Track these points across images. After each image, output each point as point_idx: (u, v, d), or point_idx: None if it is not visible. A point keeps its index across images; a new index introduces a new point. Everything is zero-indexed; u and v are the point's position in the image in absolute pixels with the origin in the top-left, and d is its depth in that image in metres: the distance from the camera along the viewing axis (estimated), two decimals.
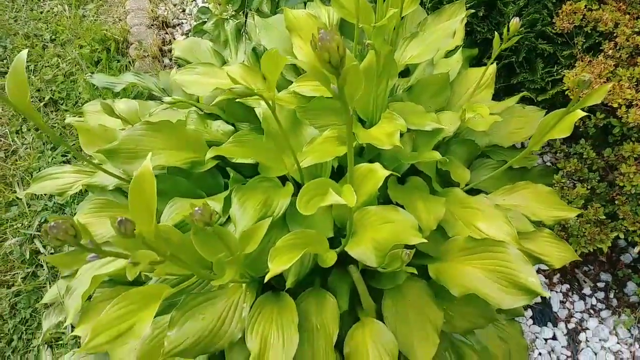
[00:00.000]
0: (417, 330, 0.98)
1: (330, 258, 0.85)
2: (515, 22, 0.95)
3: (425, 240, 0.87)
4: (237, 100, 1.07)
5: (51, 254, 1.35)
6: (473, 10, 1.25)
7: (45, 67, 1.74)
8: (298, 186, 1.02)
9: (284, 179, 1.01)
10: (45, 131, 0.66)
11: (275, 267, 0.75)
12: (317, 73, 0.53)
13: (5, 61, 1.75)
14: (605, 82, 1.27)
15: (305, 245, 0.81)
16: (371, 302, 1.01)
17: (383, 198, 1.07)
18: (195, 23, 1.85)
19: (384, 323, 0.97)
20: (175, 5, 1.92)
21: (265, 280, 0.73)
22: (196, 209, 0.56)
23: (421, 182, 1.11)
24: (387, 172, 0.91)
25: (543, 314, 1.47)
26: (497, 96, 1.44)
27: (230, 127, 1.11)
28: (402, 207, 1.00)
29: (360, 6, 1.05)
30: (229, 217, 0.95)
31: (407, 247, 0.90)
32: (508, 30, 1.00)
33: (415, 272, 0.86)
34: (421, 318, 1.00)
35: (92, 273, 1.06)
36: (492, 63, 1.07)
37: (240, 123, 1.15)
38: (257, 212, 0.87)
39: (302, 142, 1.05)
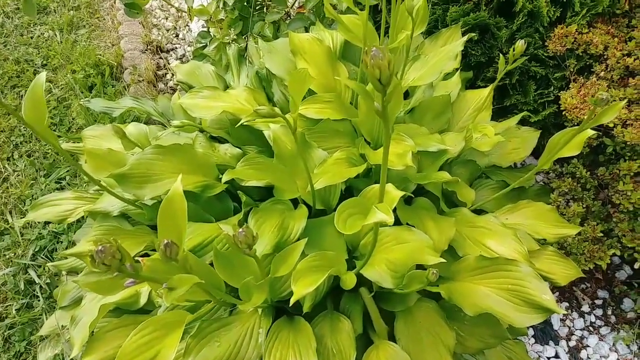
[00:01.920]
0: (430, 352, 0.97)
1: (350, 280, 0.84)
2: (520, 44, 0.98)
3: (443, 260, 0.87)
4: (245, 123, 1.07)
5: (47, 284, 1.31)
6: (474, 35, 1.28)
7: None
8: (309, 208, 1.02)
9: (295, 202, 1.01)
10: (63, 155, 0.65)
11: (299, 290, 0.74)
12: (361, 90, 0.54)
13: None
14: None
15: (326, 267, 0.80)
16: (383, 325, 1.01)
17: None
18: (189, 48, 1.85)
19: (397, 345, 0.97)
20: (168, 30, 1.93)
21: (291, 303, 0.72)
22: (240, 230, 0.56)
23: (428, 203, 1.12)
24: (400, 193, 0.92)
25: (544, 332, 1.48)
26: (492, 117, 1.47)
27: (238, 150, 1.11)
28: (412, 227, 1.01)
29: (367, 30, 1.07)
30: None
31: (418, 266, 0.90)
32: (508, 54, 1.03)
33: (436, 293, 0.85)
34: (433, 339, 1.00)
35: (98, 302, 1.03)
36: (496, 84, 1.09)
37: (246, 146, 1.14)
38: (274, 235, 0.86)
39: (311, 164, 1.05)
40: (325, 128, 1.14)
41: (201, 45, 1.41)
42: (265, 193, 1.06)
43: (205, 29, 1.39)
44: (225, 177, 0.89)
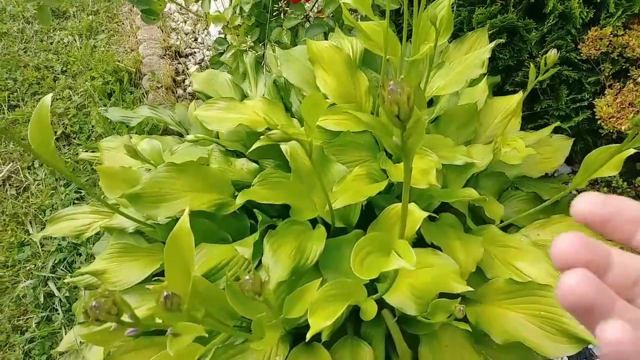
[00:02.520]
0: None
1: (371, 310, 0.80)
2: (553, 53, 0.92)
3: (470, 288, 0.82)
4: (261, 137, 1.03)
5: (66, 297, 1.30)
6: (502, 40, 1.21)
7: (57, 99, 1.71)
8: (327, 227, 0.98)
9: (314, 221, 0.97)
10: (73, 181, 0.62)
11: (317, 323, 0.70)
12: (375, 125, 0.49)
13: (15, 94, 1.72)
14: (637, 111, 1.24)
15: (346, 296, 0.76)
16: (407, 349, 0.96)
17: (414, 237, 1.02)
18: (208, 52, 1.82)
19: None
20: (187, 34, 1.90)
21: (307, 338, 0.68)
22: (246, 277, 0.52)
23: (454, 220, 1.06)
24: (424, 214, 0.87)
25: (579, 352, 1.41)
26: (521, 124, 1.40)
27: (255, 165, 1.07)
28: (437, 247, 0.96)
29: (388, 38, 1.02)
30: (258, 262, 0.90)
31: (442, 294, 0.85)
32: (538, 57, 0.96)
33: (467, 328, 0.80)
34: None
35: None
36: (526, 94, 1.03)
37: (263, 160, 1.11)
38: (291, 260, 0.82)
39: (330, 180, 1.01)
40: (344, 141, 1.09)
41: (218, 52, 1.38)
42: (283, 209, 1.02)
43: (223, 36, 1.36)
44: (239, 199, 0.86)
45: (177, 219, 1.00)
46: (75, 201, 1.45)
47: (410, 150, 0.49)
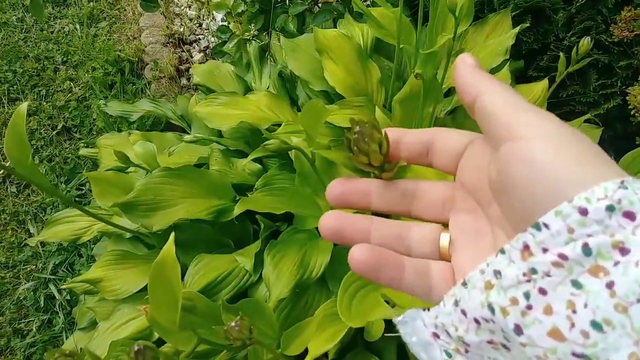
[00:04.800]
0: None
1: (376, 329, 0.73)
2: (586, 42, 0.82)
3: None
4: (264, 136, 0.96)
5: (67, 300, 1.26)
6: (527, 24, 1.11)
7: (57, 92, 1.65)
8: None
9: None
10: (55, 196, 0.55)
11: (315, 348, 0.64)
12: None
13: (15, 87, 1.67)
14: None
15: None
16: None
17: None
18: (213, 39, 1.74)
19: None
20: (191, 20, 1.82)
21: None
22: (232, 324, 0.45)
23: None
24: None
25: None
26: None
27: (258, 166, 1.00)
28: None
29: (401, 26, 0.93)
30: (260, 274, 0.84)
31: None
32: (565, 40, 0.87)
33: None
34: None
35: (110, 333, 0.96)
36: (554, 86, 0.94)
37: (267, 159, 1.03)
38: (293, 275, 0.76)
39: None
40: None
41: (221, 41, 1.30)
42: (289, 212, 0.95)
43: (226, 23, 1.28)
44: (237, 209, 0.79)
45: (176, 226, 0.94)
46: (77, 199, 1.40)
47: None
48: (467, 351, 0.24)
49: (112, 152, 1.15)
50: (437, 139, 0.28)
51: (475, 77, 0.26)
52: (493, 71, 1.22)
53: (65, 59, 1.74)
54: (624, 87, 1.26)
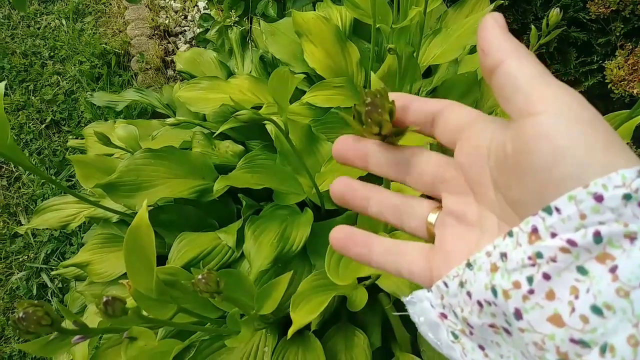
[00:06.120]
0: None
1: (360, 299, 0.75)
2: (555, 12, 0.83)
3: None
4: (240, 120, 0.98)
5: (59, 288, 1.27)
6: (502, 1, 1.13)
7: (45, 86, 1.66)
8: (318, 209, 0.93)
9: (302, 204, 0.91)
10: (37, 174, 0.57)
11: (299, 319, 0.66)
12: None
13: (3, 82, 1.67)
14: None
15: (331, 286, 0.71)
16: (406, 334, 0.91)
17: None
18: (199, 30, 1.75)
19: (421, 358, 0.88)
20: (176, 12, 1.83)
21: (288, 336, 0.63)
22: (199, 277, 0.47)
23: None
24: (416, 193, 0.81)
25: None
26: None
27: (240, 147, 1.01)
28: None
29: (377, 5, 0.94)
30: (242, 251, 0.85)
31: None
32: (543, 20, 0.88)
33: None
34: None
35: (98, 316, 0.98)
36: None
37: (250, 141, 1.05)
38: (273, 248, 0.77)
39: (319, 159, 0.95)
40: (335, 118, 1.03)
41: (203, 29, 1.31)
42: (272, 192, 0.97)
43: (208, 12, 1.29)
44: (217, 185, 0.81)
45: (160, 207, 0.95)
46: (64, 194, 1.41)
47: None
48: (471, 333, 0.24)
49: (99, 142, 1.17)
50: (444, 113, 0.27)
51: (505, 39, 0.24)
52: (472, 50, 1.23)
53: (52, 53, 1.75)
54: (603, 63, 1.28)
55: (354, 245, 0.29)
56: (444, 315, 0.25)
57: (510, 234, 0.22)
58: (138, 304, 0.60)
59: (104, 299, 0.41)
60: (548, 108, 0.21)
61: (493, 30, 0.24)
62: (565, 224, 0.19)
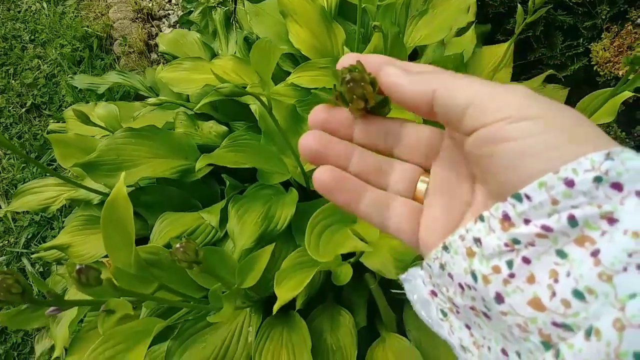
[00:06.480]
0: (444, 345, 0.88)
1: (344, 274, 0.75)
2: None
3: None
4: (226, 97, 0.96)
5: (40, 272, 1.25)
6: None
7: (26, 69, 1.62)
8: (303, 190, 0.92)
9: (287, 184, 0.90)
10: (16, 152, 0.55)
11: (283, 295, 0.65)
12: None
13: None
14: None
15: (315, 263, 0.70)
16: (392, 314, 0.91)
17: None
18: (182, 14, 1.72)
19: (407, 338, 0.88)
20: None
21: (274, 311, 0.63)
22: (177, 245, 0.46)
23: None
24: None
25: None
26: (513, 75, 1.32)
27: (224, 128, 1.00)
28: None
29: None
30: (226, 231, 0.84)
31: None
32: (528, 3, 0.88)
33: None
34: None
35: (80, 298, 0.96)
36: (514, 39, 0.95)
37: (234, 122, 1.04)
38: (257, 227, 0.76)
39: None
40: (319, 98, 1.01)
41: (187, 11, 1.29)
42: (256, 174, 0.96)
43: None
44: (199, 163, 0.79)
45: (142, 188, 0.94)
46: (47, 175, 1.39)
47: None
48: (457, 312, 0.24)
49: (80, 124, 1.15)
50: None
51: (416, 77, 0.24)
52: (459, 33, 1.23)
53: (32, 37, 1.71)
54: (589, 46, 1.28)
55: (342, 192, 0.27)
56: (434, 293, 0.26)
57: (481, 218, 0.22)
58: (118, 283, 0.59)
59: (77, 267, 0.40)
60: (508, 113, 0.21)
61: (400, 78, 0.24)
62: (538, 210, 0.20)
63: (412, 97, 0.24)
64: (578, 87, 1.43)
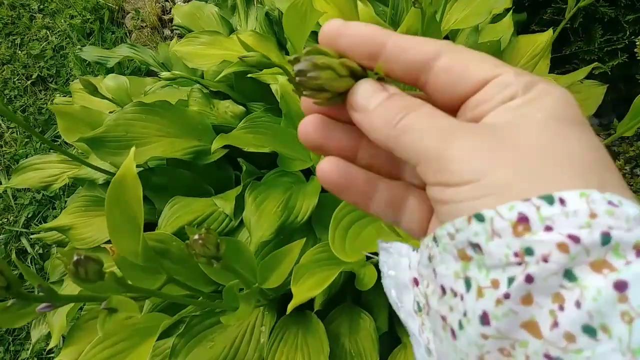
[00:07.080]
0: None
1: (369, 276, 0.68)
2: None
3: None
4: (248, 75, 0.89)
5: (40, 254, 1.19)
6: None
7: (33, 40, 1.55)
8: None
9: (307, 172, 0.83)
10: (17, 123, 0.48)
11: (301, 294, 0.58)
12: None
13: None
14: None
15: (337, 260, 0.63)
16: None
17: None
18: None
19: None
20: None
21: (288, 311, 0.56)
22: (195, 237, 0.39)
23: None
24: None
25: None
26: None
27: (241, 108, 0.93)
28: None
29: None
30: (241, 220, 0.77)
31: None
32: None
33: None
34: None
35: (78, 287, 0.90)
36: (563, 24, 0.87)
37: (252, 103, 0.96)
38: (277, 217, 0.69)
39: None
40: None
41: None
42: (275, 159, 0.89)
43: None
44: (215, 144, 0.72)
45: (151, 169, 0.87)
46: (52, 150, 1.32)
47: None
48: (428, 313, 0.21)
49: (87, 97, 1.08)
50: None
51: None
52: (495, 20, 1.15)
53: (42, 6, 1.64)
54: (633, 39, 1.20)
55: (351, 192, 0.23)
56: (416, 282, 0.23)
57: (479, 217, 0.17)
58: (122, 273, 0.52)
59: (75, 258, 0.33)
60: (472, 176, 0.18)
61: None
62: (569, 218, 0.16)
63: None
64: (615, 84, 1.35)
